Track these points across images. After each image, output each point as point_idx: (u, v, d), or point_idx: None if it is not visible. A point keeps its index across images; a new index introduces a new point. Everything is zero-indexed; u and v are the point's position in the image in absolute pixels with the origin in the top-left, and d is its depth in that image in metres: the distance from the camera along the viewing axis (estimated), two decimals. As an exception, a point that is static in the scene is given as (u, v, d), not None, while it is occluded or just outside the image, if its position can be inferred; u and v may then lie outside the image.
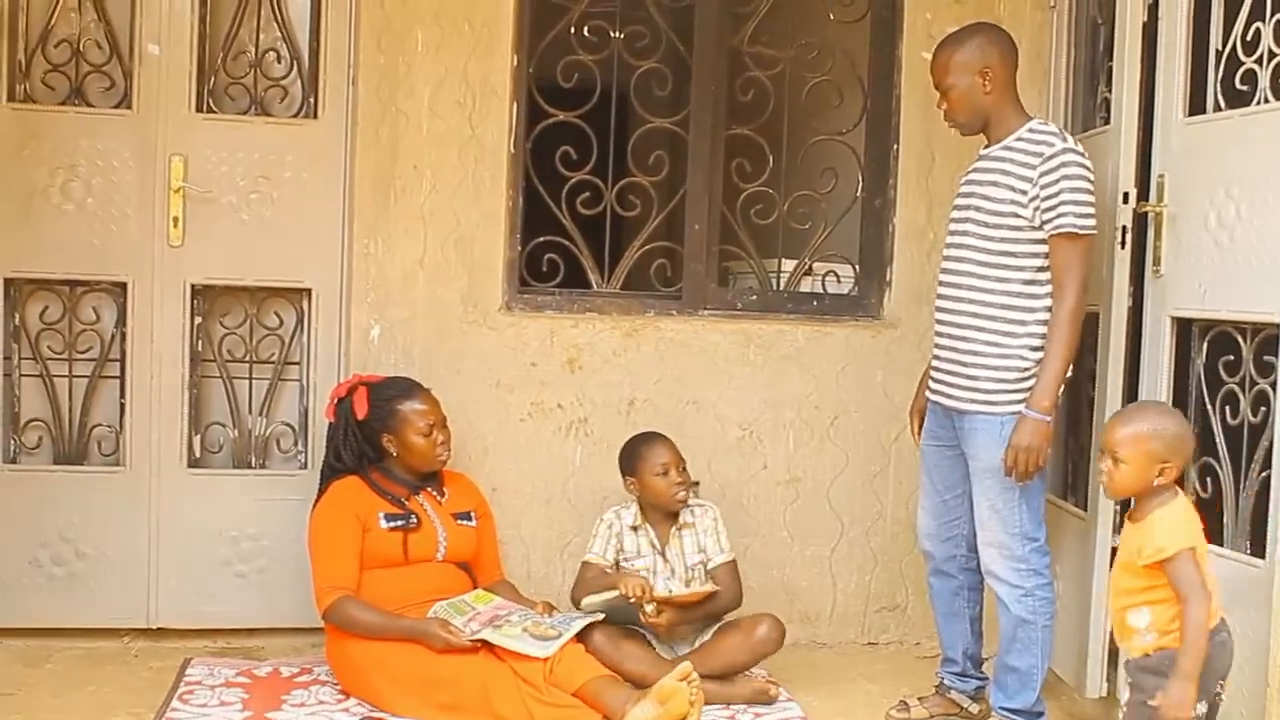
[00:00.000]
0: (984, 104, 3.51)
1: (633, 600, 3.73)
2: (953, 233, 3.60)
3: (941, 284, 3.63)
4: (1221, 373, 3.46)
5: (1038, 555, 3.51)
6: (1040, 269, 3.43)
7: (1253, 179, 3.26)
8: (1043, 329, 3.43)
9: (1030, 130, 3.47)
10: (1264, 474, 3.25)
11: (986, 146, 3.58)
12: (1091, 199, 3.40)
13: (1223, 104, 3.45)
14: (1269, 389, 3.25)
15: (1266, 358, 3.27)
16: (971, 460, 3.55)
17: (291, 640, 4.23)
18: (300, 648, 4.20)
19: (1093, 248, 3.46)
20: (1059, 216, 3.35)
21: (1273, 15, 3.27)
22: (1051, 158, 3.36)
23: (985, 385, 3.47)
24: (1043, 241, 3.41)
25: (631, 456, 4.02)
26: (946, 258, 3.62)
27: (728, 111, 4.48)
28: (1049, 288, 3.43)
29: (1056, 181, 3.35)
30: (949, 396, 3.58)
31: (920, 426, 3.84)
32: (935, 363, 3.66)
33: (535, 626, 3.63)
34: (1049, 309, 3.43)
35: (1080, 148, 3.43)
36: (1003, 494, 3.48)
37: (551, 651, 3.53)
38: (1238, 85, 3.39)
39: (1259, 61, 3.31)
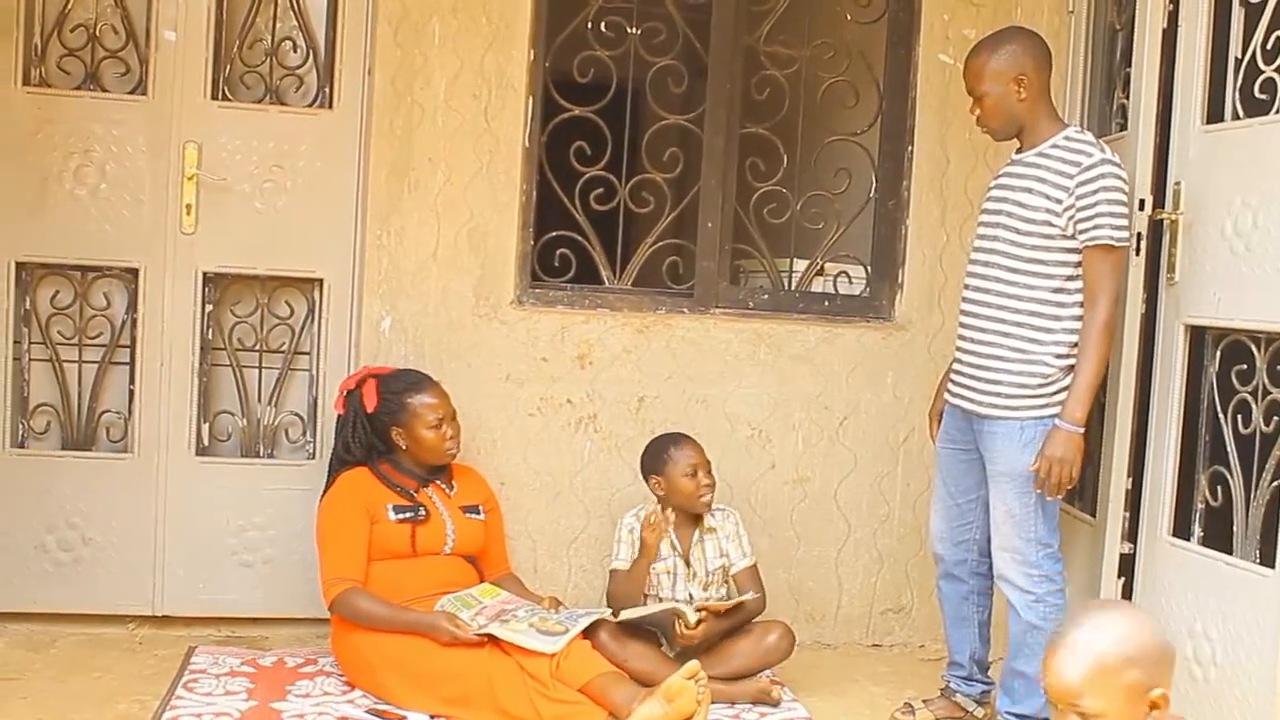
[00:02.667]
0: (1018, 111, 3.49)
1: (679, 620, 3.75)
2: (982, 236, 3.58)
3: (968, 287, 3.61)
4: (1234, 381, 3.45)
5: (1050, 561, 3.51)
6: (1070, 278, 3.41)
7: (1270, 188, 3.25)
8: (1069, 337, 3.42)
9: (1067, 138, 3.44)
10: (1275, 484, 3.25)
11: (1020, 151, 3.56)
12: (1126, 211, 3.40)
13: (1241, 112, 3.44)
14: (1282, 398, 3.25)
15: (1280, 367, 3.27)
16: (989, 464, 3.55)
17: (297, 630, 4.23)
18: (305, 638, 4.20)
19: (1126, 260, 3.46)
20: (1096, 229, 3.34)
21: (1293, 25, 3.27)
22: (1090, 168, 3.34)
23: (1007, 390, 3.46)
24: (1074, 251, 3.39)
25: (659, 456, 4.01)
26: (974, 261, 3.60)
27: (742, 110, 4.46)
28: (1077, 296, 3.42)
29: (1094, 193, 3.33)
30: (970, 400, 3.57)
31: (937, 432, 3.84)
32: (957, 366, 3.65)
33: (542, 622, 3.62)
34: (1076, 318, 3.41)
35: (1117, 158, 3.41)
36: (1020, 499, 3.47)
37: (558, 647, 3.52)
38: (1257, 94, 3.38)
39: (1279, 70, 3.30)
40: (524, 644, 3.52)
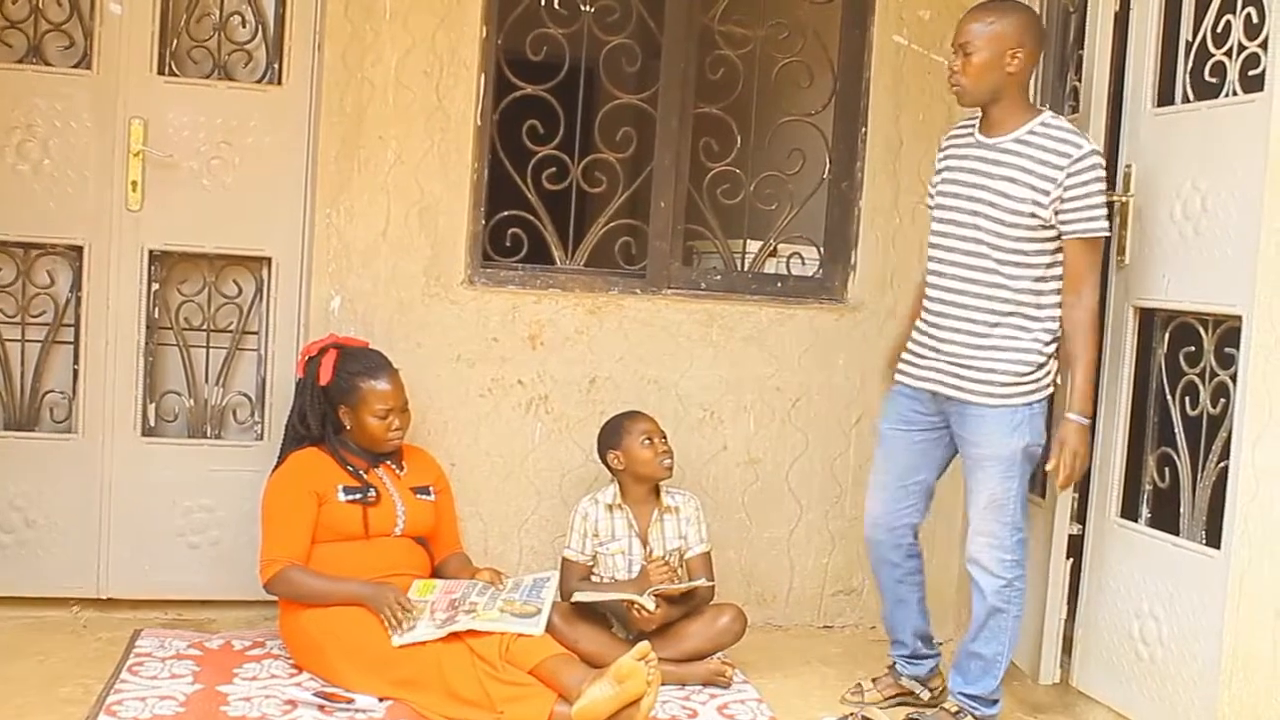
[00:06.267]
0: (1001, 81, 3.42)
1: (636, 607, 3.74)
2: (956, 223, 3.51)
3: (942, 275, 3.54)
4: (1182, 363, 3.48)
5: (1021, 547, 3.53)
6: (1049, 265, 3.42)
7: (1219, 171, 3.28)
8: (1053, 324, 3.44)
9: (1044, 124, 3.41)
10: (1221, 465, 3.28)
11: (989, 135, 3.49)
12: (1106, 200, 3.40)
13: (1191, 96, 3.46)
14: (1229, 381, 3.28)
15: (1227, 349, 3.29)
16: (972, 448, 3.52)
17: (244, 613, 4.19)
18: (253, 620, 4.16)
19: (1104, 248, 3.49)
20: (1086, 221, 3.34)
21: (1243, 8, 3.28)
22: (1080, 159, 3.32)
23: (1002, 379, 3.44)
24: (1053, 239, 3.39)
25: (615, 430, 4.02)
26: (949, 249, 3.52)
27: (696, 90, 4.44)
28: (1055, 284, 3.42)
29: (1085, 184, 3.32)
30: (954, 387, 3.52)
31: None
32: (929, 352, 3.59)
33: (509, 604, 3.60)
34: (1056, 305, 3.43)
35: (1099, 147, 3.42)
36: (1003, 483, 3.47)
37: (542, 628, 3.51)
38: (1207, 77, 3.40)
39: (1228, 54, 3.32)
40: (509, 630, 3.48)
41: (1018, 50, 3.39)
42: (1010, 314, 3.44)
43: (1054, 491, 3.73)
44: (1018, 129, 3.43)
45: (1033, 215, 3.38)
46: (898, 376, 3.72)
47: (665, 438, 4.03)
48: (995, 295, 3.45)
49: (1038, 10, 4.18)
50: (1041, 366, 3.45)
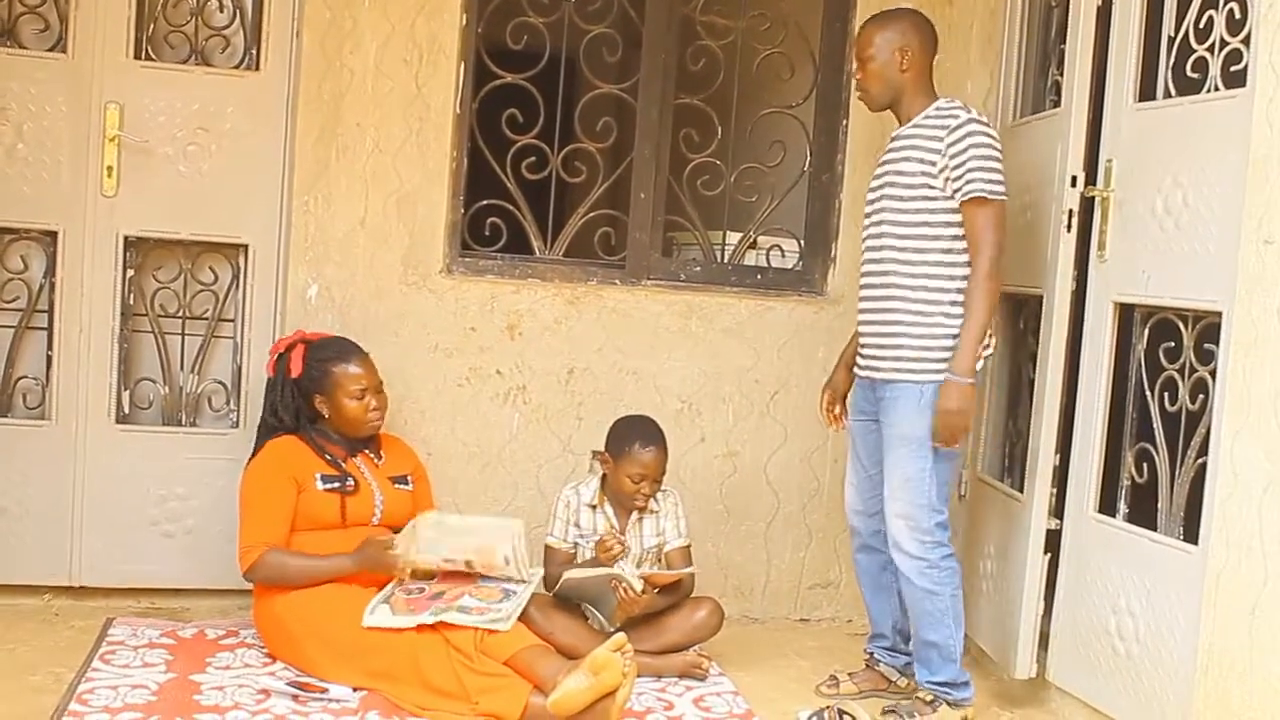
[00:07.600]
0: (898, 81, 3.59)
1: (623, 585, 3.71)
2: (870, 214, 3.65)
3: (864, 262, 3.68)
4: (1162, 359, 3.48)
5: (941, 530, 3.55)
6: (956, 238, 3.49)
7: (1200, 167, 3.27)
8: (962, 298, 3.47)
9: (936, 108, 3.55)
10: (1199, 461, 3.28)
11: (897, 129, 3.64)
12: (1000, 166, 3.47)
13: (1173, 91, 3.46)
14: (1208, 377, 3.27)
15: (1207, 345, 3.28)
16: (888, 428, 3.58)
17: (218, 602, 4.16)
18: (227, 610, 4.14)
19: (1004, 214, 3.50)
20: (969, 183, 3.43)
21: (1225, 4, 3.28)
22: (958, 128, 3.45)
23: (909, 354, 3.52)
24: (956, 211, 3.47)
25: (623, 442, 3.93)
26: (867, 237, 3.66)
27: (677, 80, 4.43)
28: (966, 258, 3.48)
29: (964, 150, 3.43)
30: (875, 370, 3.62)
31: (829, 403, 3.90)
32: (861, 340, 3.70)
33: (477, 590, 3.59)
34: (967, 279, 3.47)
35: (985, 118, 3.53)
36: (915, 462, 3.51)
37: (510, 624, 3.49)
38: (1189, 73, 3.40)
39: (1211, 50, 3.32)
40: (477, 625, 3.46)
41: (905, 49, 3.57)
42: (917, 289, 3.51)
43: (1032, 486, 3.73)
44: (915, 116, 3.57)
45: (926, 186, 3.49)
46: (854, 368, 3.79)
47: (661, 477, 3.94)
48: (900, 271, 3.53)
49: (1021, 5, 4.21)
50: (952, 346, 3.47)
